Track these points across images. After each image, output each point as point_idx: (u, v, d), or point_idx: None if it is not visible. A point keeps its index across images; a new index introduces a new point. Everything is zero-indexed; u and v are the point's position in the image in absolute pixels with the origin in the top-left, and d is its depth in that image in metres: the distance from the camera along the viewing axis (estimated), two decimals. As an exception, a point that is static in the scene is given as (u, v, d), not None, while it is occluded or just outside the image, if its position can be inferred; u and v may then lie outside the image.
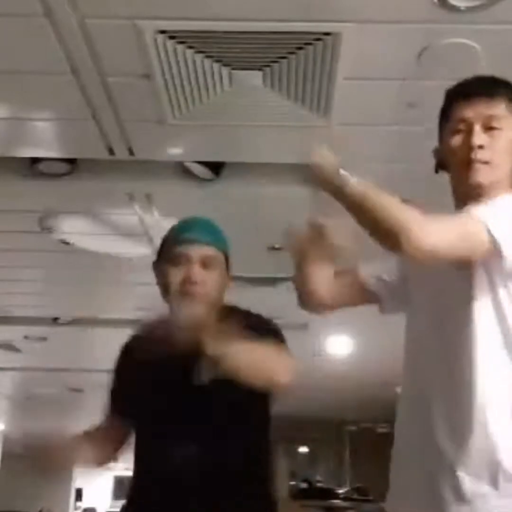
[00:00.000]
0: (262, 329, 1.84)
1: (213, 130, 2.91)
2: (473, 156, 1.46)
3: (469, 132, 1.48)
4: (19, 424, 10.69)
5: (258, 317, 1.92)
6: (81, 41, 2.32)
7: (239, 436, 1.79)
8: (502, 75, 2.50)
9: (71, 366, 6.97)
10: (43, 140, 3.05)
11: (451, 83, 2.51)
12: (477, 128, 1.47)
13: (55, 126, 2.95)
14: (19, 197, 3.54)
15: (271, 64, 2.44)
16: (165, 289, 1.87)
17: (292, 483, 9.67)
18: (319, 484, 10.06)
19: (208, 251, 1.86)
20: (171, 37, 2.30)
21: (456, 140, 1.50)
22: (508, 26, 2.23)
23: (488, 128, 1.48)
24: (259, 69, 2.47)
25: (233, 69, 2.47)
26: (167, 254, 1.89)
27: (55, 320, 5.58)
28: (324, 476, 10.51)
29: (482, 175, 1.47)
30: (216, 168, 3.30)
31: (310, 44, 2.32)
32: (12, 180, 3.37)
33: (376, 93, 2.60)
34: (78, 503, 14.82)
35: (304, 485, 9.73)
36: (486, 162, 1.47)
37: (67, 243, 4.05)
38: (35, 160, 3.25)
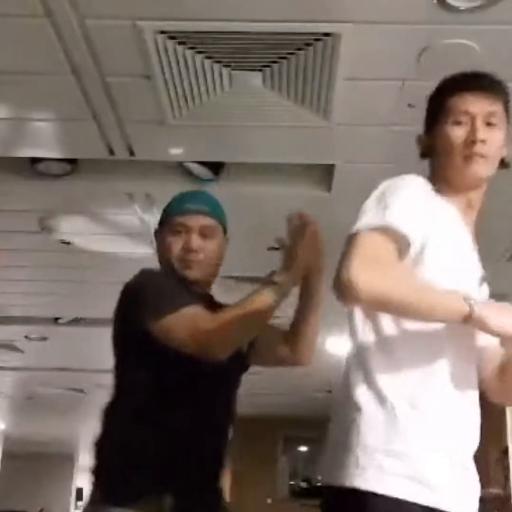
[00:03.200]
0: None
1: (213, 130, 2.91)
2: (475, 149, 1.50)
3: (472, 125, 1.51)
4: (19, 424, 10.69)
5: None
6: (81, 41, 2.32)
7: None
8: (502, 75, 2.50)
9: (71, 366, 6.96)
10: (43, 140, 3.05)
11: (451, 83, 2.52)
12: (480, 122, 1.51)
13: (55, 126, 2.95)
14: (19, 197, 3.54)
15: (271, 64, 2.44)
16: (164, 257, 1.94)
17: (292, 482, 9.66)
18: (319, 484, 10.08)
19: (207, 221, 1.93)
20: (171, 38, 2.31)
21: (457, 132, 1.53)
22: (508, 26, 2.23)
23: (488, 123, 1.52)
24: (259, 70, 2.47)
25: (233, 69, 2.47)
26: (168, 223, 1.96)
27: (55, 320, 5.58)
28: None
29: (481, 168, 1.52)
30: (216, 168, 3.30)
31: (310, 44, 2.33)
32: (12, 180, 3.37)
33: (376, 93, 2.60)
34: (79, 503, 14.78)
35: (304, 485, 9.72)
36: (484, 156, 1.51)
37: (67, 243, 4.05)
38: (35, 160, 3.25)
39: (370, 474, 1.31)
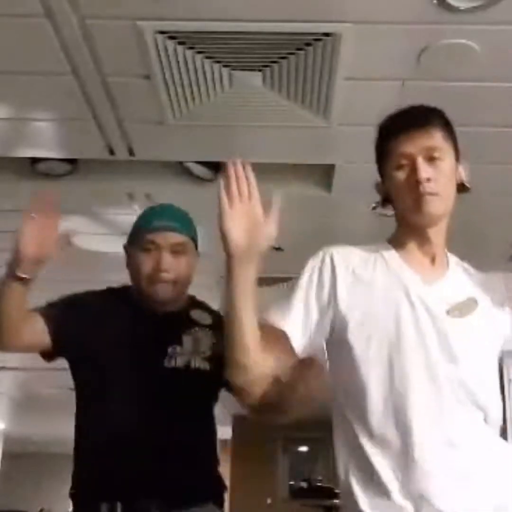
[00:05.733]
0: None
1: (213, 130, 2.91)
2: (422, 190, 1.46)
3: (413, 166, 1.49)
4: (19, 424, 10.69)
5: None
6: (81, 41, 2.32)
7: (193, 420, 1.91)
8: (501, 75, 2.51)
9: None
10: (43, 140, 3.05)
11: (451, 83, 2.53)
12: (421, 161, 1.48)
13: (55, 126, 2.95)
14: (19, 197, 3.54)
15: (271, 64, 2.44)
16: (136, 274, 1.96)
17: (292, 482, 9.65)
18: (319, 484, 10.05)
19: (177, 238, 1.93)
20: (171, 38, 2.31)
21: (401, 176, 1.51)
22: (507, 26, 2.23)
23: (430, 158, 1.49)
24: (259, 70, 2.47)
25: (233, 69, 2.47)
26: (138, 241, 1.97)
27: (55, 320, 5.57)
28: (324, 475, 10.51)
29: (433, 206, 1.48)
30: (216, 168, 3.30)
31: (310, 44, 2.33)
32: (12, 180, 3.37)
33: (376, 93, 2.60)
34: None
35: (304, 485, 9.72)
36: (435, 194, 1.48)
37: (67, 243, 4.05)
38: (35, 160, 3.25)
39: None
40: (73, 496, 1.88)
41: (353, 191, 3.29)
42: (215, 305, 2.11)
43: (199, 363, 1.90)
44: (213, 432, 2.00)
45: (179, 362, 1.89)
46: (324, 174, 3.34)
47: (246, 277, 1.39)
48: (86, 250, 4.12)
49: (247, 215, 1.40)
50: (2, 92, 2.68)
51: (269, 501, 9.00)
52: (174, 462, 1.82)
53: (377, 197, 1.64)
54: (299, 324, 1.46)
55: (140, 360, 1.86)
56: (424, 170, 1.47)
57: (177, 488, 1.81)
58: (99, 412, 1.85)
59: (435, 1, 2.12)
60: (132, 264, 1.99)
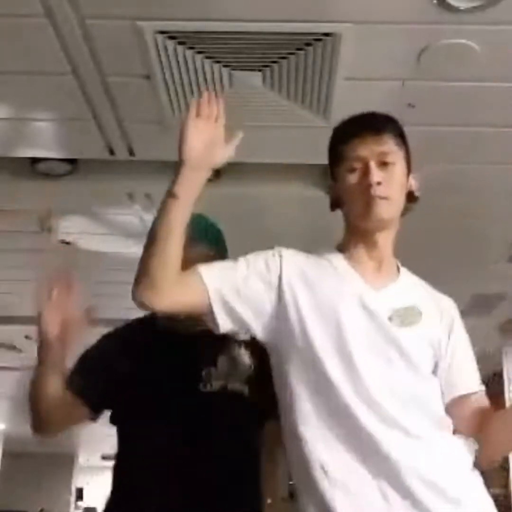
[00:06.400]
0: None
1: (213, 130, 2.91)
2: (372, 192, 1.48)
3: (365, 169, 1.50)
4: (19, 424, 10.70)
5: None
6: (81, 41, 2.32)
7: (237, 448, 1.83)
8: (501, 75, 2.51)
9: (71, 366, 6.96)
10: (43, 140, 3.05)
11: (451, 83, 2.53)
12: (373, 165, 1.50)
13: (55, 126, 2.95)
14: (19, 197, 3.54)
15: (271, 64, 2.44)
16: None
17: (292, 483, 9.70)
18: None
19: (204, 250, 1.87)
20: (171, 38, 2.31)
21: (353, 179, 1.52)
22: (508, 27, 2.23)
23: (382, 163, 1.51)
24: (259, 70, 2.47)
25: (233, 69, 2.47)
26: None
27: (55, 320, 5.57)
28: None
29: (383, 210, 1.50)
30: (215, 168, 3.30)
31: (310, 44, 2.32)
32: (12, 180, 3.37)
33: (376, 93, 2.60)
34: (79, 503, 14.79)
35: (304, 485, 9.74)
36: (385, 198, 1.49)
37: (67, 243, 4.05)
38: (35, 160, 3.25)
39: None
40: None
41: (353, 191, 3.29)
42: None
43: (236, 385, 1.84)
44: (257, 463, 1.92)
45: (215, 385, 1.82)
46: (324, 174, 3.33)
47: (191, 187, 1.44)
48: (86, 250, 4.12)
49: (210, 133, 1.48)
50: (2, 92, 2.67)
51: (269, 501, 9.01)
52: (220, 493, 1.78)
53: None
54: (222, 276, 1.49)
55: (175, 387, 1.80)
56: (376, 174, 1.49)
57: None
58: (143, 446, 1.81)
59: (435, 1, 2.12)
60: None
